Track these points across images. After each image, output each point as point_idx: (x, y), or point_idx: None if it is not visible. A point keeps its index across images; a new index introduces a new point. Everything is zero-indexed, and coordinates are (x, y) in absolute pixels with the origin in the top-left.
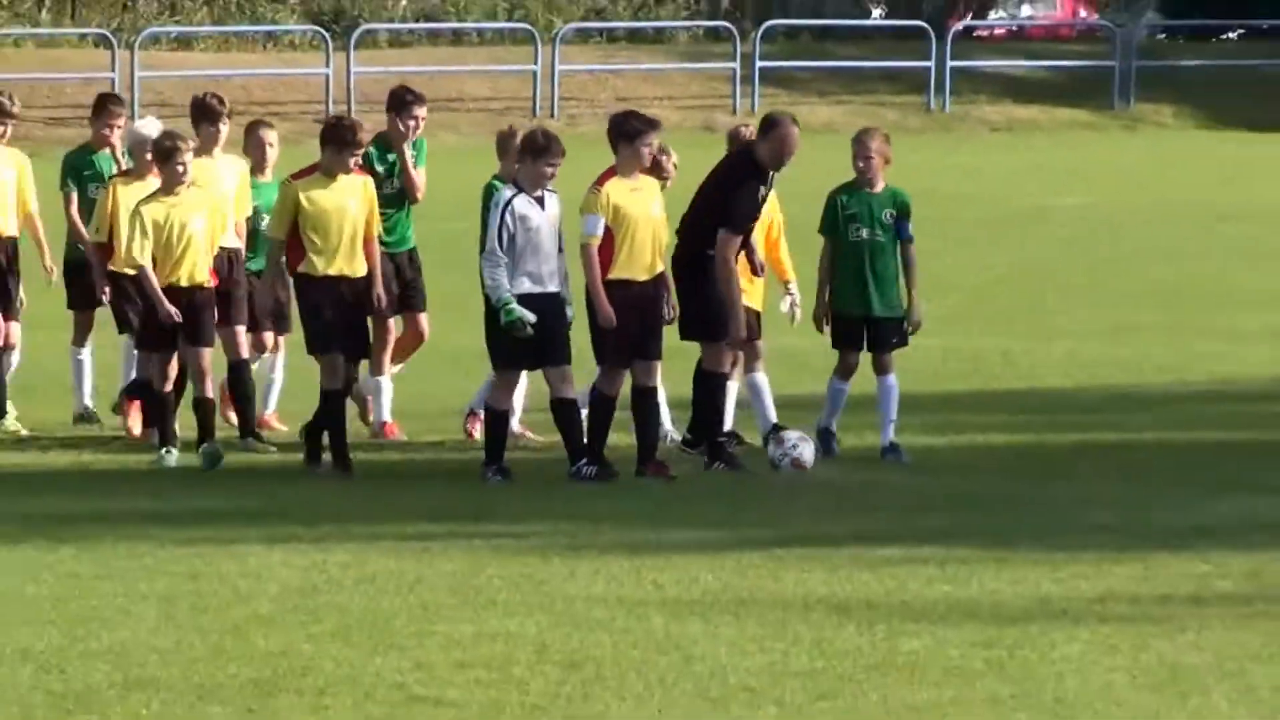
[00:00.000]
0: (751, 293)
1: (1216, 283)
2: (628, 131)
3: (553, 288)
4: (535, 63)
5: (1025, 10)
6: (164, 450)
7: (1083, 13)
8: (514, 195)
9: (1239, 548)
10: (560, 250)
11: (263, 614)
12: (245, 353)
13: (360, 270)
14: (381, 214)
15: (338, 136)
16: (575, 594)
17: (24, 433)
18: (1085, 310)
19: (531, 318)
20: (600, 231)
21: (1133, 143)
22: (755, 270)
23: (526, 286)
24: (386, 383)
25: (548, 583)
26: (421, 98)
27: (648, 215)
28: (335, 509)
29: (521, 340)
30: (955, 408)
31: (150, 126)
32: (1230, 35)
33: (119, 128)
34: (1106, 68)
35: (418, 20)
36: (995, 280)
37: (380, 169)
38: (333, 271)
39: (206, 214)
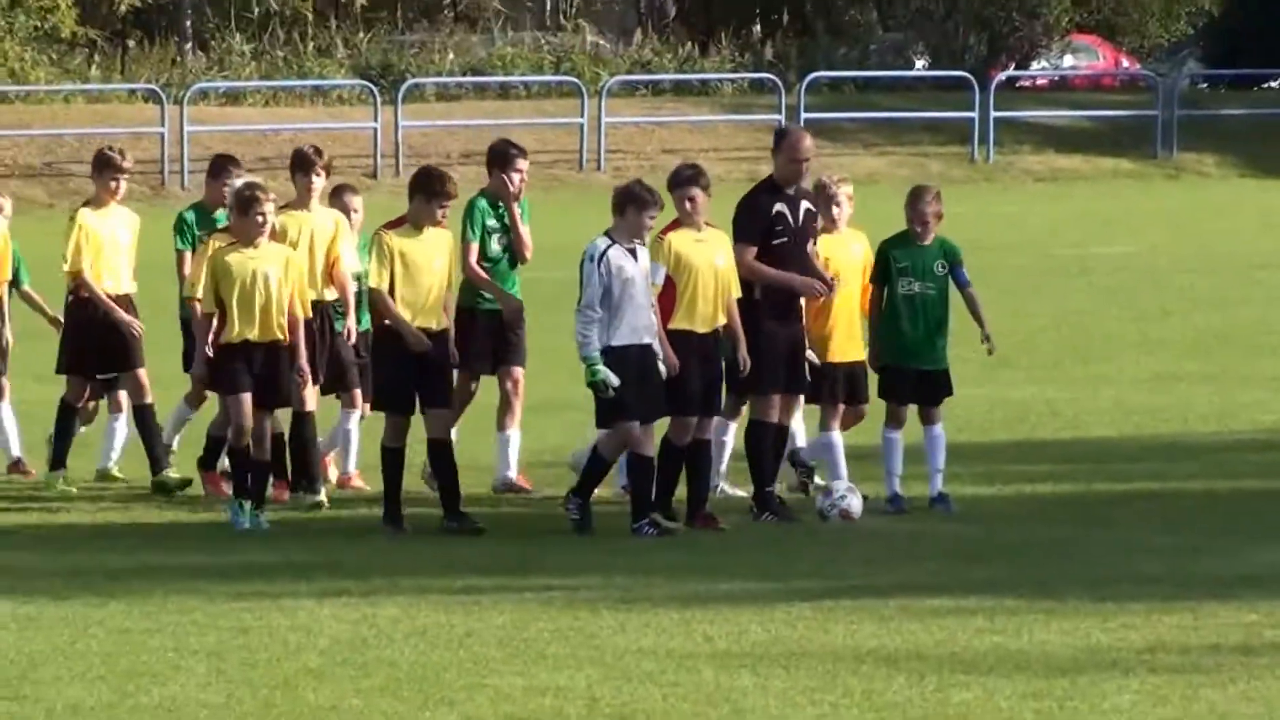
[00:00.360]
0: (851, 349)
1: (1260, 331)
2: (671, 182)
3: (648, 340)
4: (582, 115)
5: (1068, 60)
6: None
7: (1125, 63)
8: (608, 247)
9: None
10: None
11: (312, 668)
12: (312, 405)
13: (443, 323)
14: (491, 269)
15: (426, 187)
16: (625, 647)
17: (73, 490)
18: (1129, 359)
19: (615, 380)
20: (661, 280)
21: (1175, 191)
22: (828, 286)
23: (626, 338)
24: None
25: (598, 636)
26: (524, 151)
27: (710, 266)
28: (385, 563)
29: (620, 396)
30: (1002, 458)
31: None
32: (1271, 84)
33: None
34: (1149, 117)
35: (465, 74)
36: (1039, 330)
37: (491, 223)
38: (419, 324)
39: (283, 268)
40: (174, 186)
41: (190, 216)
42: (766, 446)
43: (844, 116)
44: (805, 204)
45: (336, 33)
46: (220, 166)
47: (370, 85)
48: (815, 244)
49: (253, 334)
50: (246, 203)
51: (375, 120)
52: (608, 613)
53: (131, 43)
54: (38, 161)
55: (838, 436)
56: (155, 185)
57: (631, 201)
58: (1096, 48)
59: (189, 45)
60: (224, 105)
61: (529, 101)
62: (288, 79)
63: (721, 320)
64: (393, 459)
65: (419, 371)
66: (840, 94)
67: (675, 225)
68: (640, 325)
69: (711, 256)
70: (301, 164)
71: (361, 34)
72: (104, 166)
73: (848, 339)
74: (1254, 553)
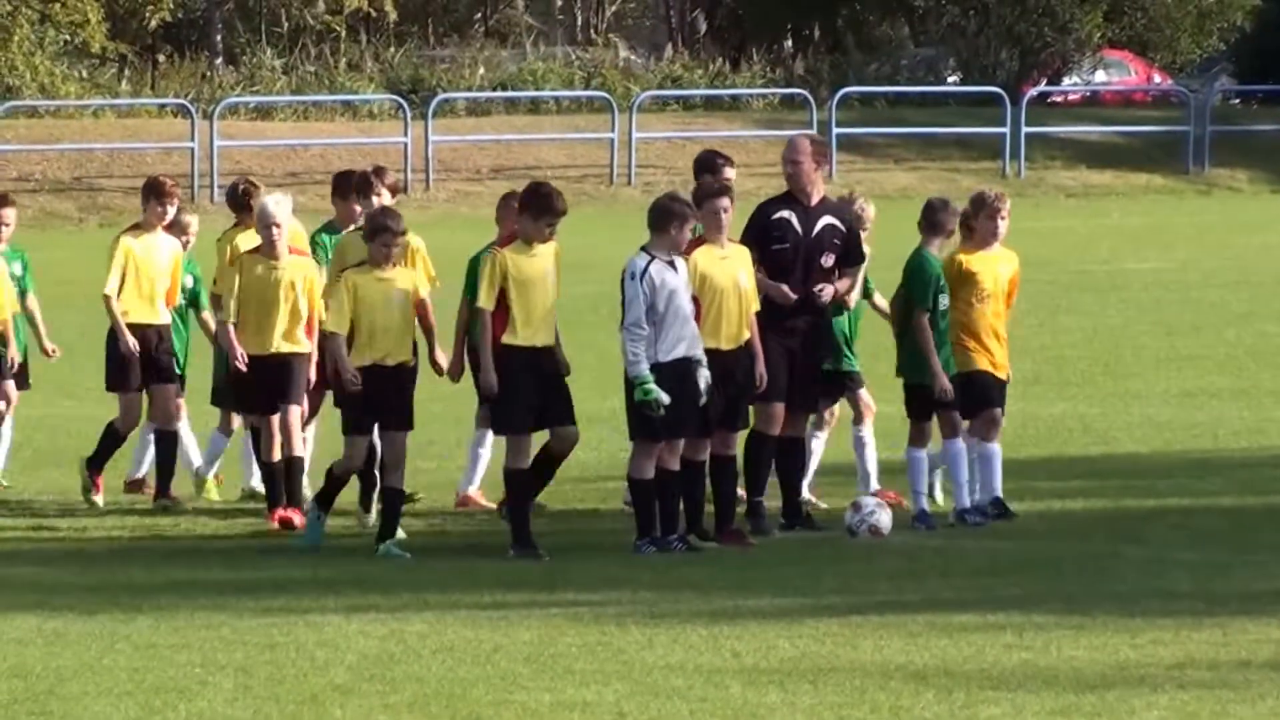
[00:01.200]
0: (995, 358)
1: None
2: (698, 197)
3: (691, 351)
4: (612, 130)
5: (1099, 76)
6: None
7: (1157, 78)
8: (649, 263)
9: None
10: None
11: (340, 684)
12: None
13: (554, 339)
14: None
15: (533, 204)
16: (653, 662)
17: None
18: (1160, 375)
19: (666, 399)
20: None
21: (1207, 207)
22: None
23: (681, 350)
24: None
25: (625, 651)
26: (730, 160)
27: (735, 284)
28: (412, 578)
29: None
30: (1032, 473)
31: (275, 203)
32: None
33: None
34: (1180, 133)
35: (495, 89)
36: (1070, 345)
37: None
38: (538, 342)
39: (408, 293)
40: (204, 201)
41: (325, 238)
42: (764, 457)
43: (875, 132)
44: (830, 219)
45: (367, 48)
46: (364, 181)
47: (401, 100)
48: (836, 260)
49: (383, 358)
50: (377, 229)
51: (406, 135)
52: (635, 628)
53: (161, 57)
54: (67, 176)
55: (994, 448)
56: (185, 200)
57: (674, 218)
58: (1128, 63)
59: (219, 60)
60: (254, 120)
61: (559, 116)
62: (318, 94)
63: (745, 336)
64: (518, 479)
65: (537, 390)
66: (871, 109)
67: (699, 242)
68: (687, 336)
69: (735, 273)
70: (361, 188)
71: (392, 49)
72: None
73: (983, 352)
74: None
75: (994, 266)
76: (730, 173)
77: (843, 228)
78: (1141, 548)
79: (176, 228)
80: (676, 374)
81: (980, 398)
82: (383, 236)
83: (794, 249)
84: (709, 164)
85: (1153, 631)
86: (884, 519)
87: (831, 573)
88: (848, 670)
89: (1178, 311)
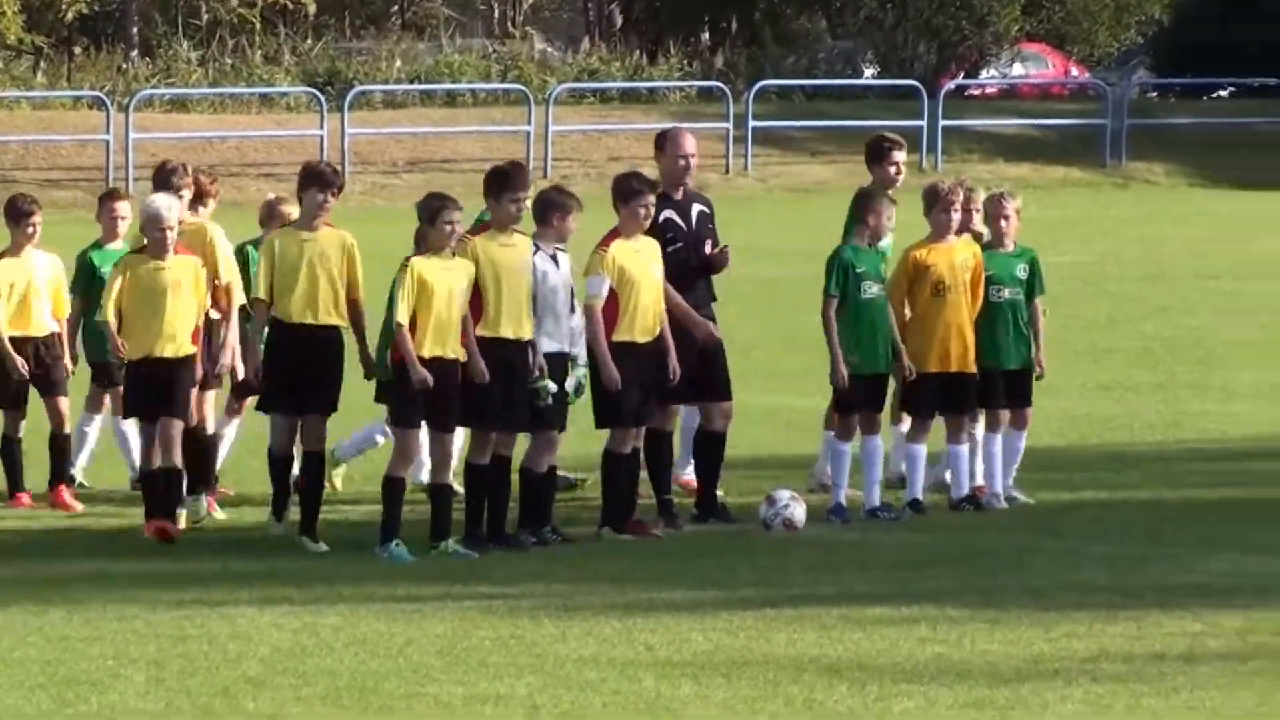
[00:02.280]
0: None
1: (1207, 340)
2: (624, 192)
3: (564, 347)
4: (529, 123)
5: (1017, 69)
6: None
7: (1074, 71)
8: (534, 253)
9: (1231, 606)
10: (572, 310)
11: (252, 676)
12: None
13: (527, 335)
14: None
15: (494, 184)
16: (566, 655)
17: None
18: (1077, 368)
19: (554, 388)
20: (605, 293)
21: (1124, 200)
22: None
23: (545, 345)
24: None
25: (539, 644)
26: (900, 141)
27: (650, 277)
28: (327, 571)
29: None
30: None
31: (166, 205)
32: (1221, 93)
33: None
34: (1098, 126)
35: (411, 82)
36: None
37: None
38: (506, 333)
39: (468, 281)
40: None
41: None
42: (664, 455)
43: (792, 125)
44: (698, 206)
45: (284, 40)
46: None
47: (317, 93)
48: (715, 245)
49: (444, 351)
50: (435, 212)
51: (322, 128)
52: (549, 621)
53: (78, 50)
54: None
55: (922, 449)
56: (100, 193)
57: (558, 209)
58: (1046, 56)
59: (135, 52)
60: (170, 112)
61: (476, 109)
62: (234, 86)
63: (658, 329)
64: (475, 476)
65: (504, 386)
66: (789, 102)
67: (614, 235)
68: (560, 333)
69: (649, 266)
70: (317, 181)
71: (309, 41)
72: None
73: (946, 349)
74: (1199, 562)
75: (949, 258)
76: (899, 154)
77: (709, 210)
78: (1058, 541)
79: (276, 219)
80: (550, 366)
81: (928, 399)
82: (444, 215)
83: (686, 247)
84: (879, 151)
85: (1067, 625)
86: (798, 513)
87: (746, 566)
88: (761, 663)
89: (1094, 305)
